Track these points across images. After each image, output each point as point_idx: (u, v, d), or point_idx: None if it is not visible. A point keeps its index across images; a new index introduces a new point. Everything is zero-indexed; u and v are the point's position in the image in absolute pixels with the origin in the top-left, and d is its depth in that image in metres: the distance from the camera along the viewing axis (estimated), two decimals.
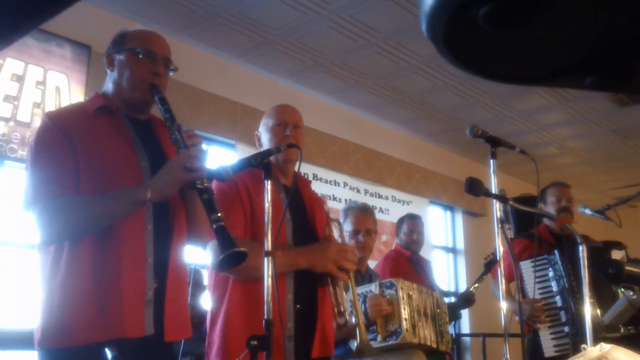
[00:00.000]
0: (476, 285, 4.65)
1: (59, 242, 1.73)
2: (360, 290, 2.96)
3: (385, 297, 2.86)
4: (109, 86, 1.94)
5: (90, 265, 1.70)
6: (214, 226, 1.67)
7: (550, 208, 3.63)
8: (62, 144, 1.75)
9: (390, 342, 2.80)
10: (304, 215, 2.39)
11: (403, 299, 2.86)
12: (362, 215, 3.43)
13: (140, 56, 1.89)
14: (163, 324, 1.78)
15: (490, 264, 4.15)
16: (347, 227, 3.37)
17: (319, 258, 2.19)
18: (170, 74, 1.99)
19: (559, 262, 3.36)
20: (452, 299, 4.72)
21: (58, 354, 1.69)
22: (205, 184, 1.74)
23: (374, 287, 2.92)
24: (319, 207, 2.53)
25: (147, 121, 1.99)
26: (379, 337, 2.81)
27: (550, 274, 3.39)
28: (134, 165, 1.82)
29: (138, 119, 1.95)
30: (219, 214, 1.68)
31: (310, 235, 2.35)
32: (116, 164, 1.79)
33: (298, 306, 2.19)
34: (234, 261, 1.65)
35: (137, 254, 1.76)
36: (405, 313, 2.85)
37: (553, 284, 3.38)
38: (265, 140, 2.41)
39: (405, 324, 2.81)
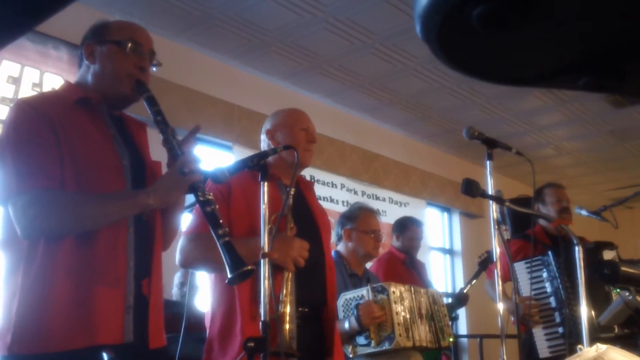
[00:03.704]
0: (472, 282, 4.62)
1: (44, 238, 1.59)
2: (352, 294, 2.96)
3: (377, 302, 2.85)
4: (86, 78, 1.81)
5: (69, 264, 1.59)
6: (220, 242, 1.61)
7: (549, 209, 3.63)
8: (46, 132, 1.61)
9: (384, 348, 2.81)
10: (308, 216, 2.37)
11: (395, 303, 2.86)
12: (376, 216, 3.47)
13: (128, 50, 1.78)
14: (147, 331, 1.71)
15: (484, 263, 4.15)
16: (362, 226, 3.33)
17: (282, 250, 2.05)
18: (154, 69, 1.87)
19: (553, 263, 3.36)
20: (450, 300, 4.70)
21: None
22: (208, 197, 1.67)
23: (365, 292, 2.91)
24: (326, 216, 2.52)
25: (120, 117, 1.87)
26: (373, 343, 2.81)
27: (544, 275, 3.40)
28: (115, 164, 1.72)
29: (112, 114, 1.83)
30: (224, 229, 1.63)
31: (314, 235, 2.33)
32: (99, 161, 1.69)
33: (301, 309, 2.16)
34: (242, 278, 1.62)
35: (118, 257, 1.66)
36: (398, 318, 2.84)
37: (547, 285, 3.39)
38: (283, 140, 2.36)
39: (398, 329, 2.81)
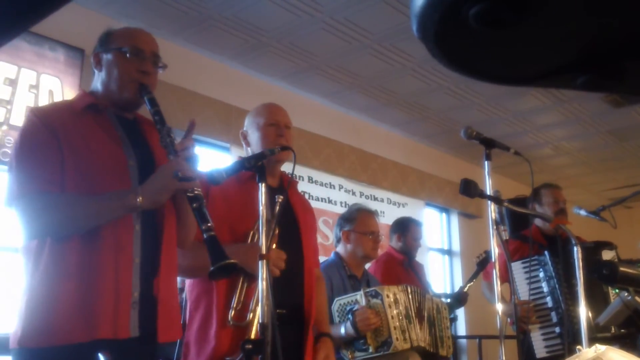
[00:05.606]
0: (470, 284, 4.61)
1: (42, 238, 1.69)
2: (346, 299, 2.95)
3: (371, 307, 2.84)
4: (97, 86, 1.91)
5: (74, 263, 1.67)
6: (205, 236, 1.66)
7: (546, 209, 3.63)
8: (48, 140, 1.72)
9: (382, 353, 2.81)
10: (291, 219, 2.35)
11: (390, 307, 2.85)
12: (375, 217, 3.45)
13: (128, 55, 1.86)
14: (156, 326, 1.76)
15: (482, 263, 4.13)
16: (360, 228, 3.32)
17: (252, 258, 2.00)
18: (160, 71, 1.95)
19: (549, 263, 3.37)
20: (449, 300, 4.68)
21: (38, 354, 1.63)
22: (196, 192, 1.72)
23: (359, 297, 2.90)
24: (309, 212, 2.51)
25: (134, 120, 1.96)
26: (371, 348, 2.81)
27: (541, 274, 3.40)
28: (121, 164, 1.79)
29: (126, 118, 1.92)
30: (210, 224, 1.67)
31: (295, 238, 2.32)
32: (103, 163, 1.76)
33: (279, 311, 2.16)
34: (225, 272, 1.64)
35: (124, 254, 1.73)
36: (393, 322, 2.84)
37: (544, 284, 3.39)
38: (254, 139, 2.37)
39: (394, 333, 2.80)
